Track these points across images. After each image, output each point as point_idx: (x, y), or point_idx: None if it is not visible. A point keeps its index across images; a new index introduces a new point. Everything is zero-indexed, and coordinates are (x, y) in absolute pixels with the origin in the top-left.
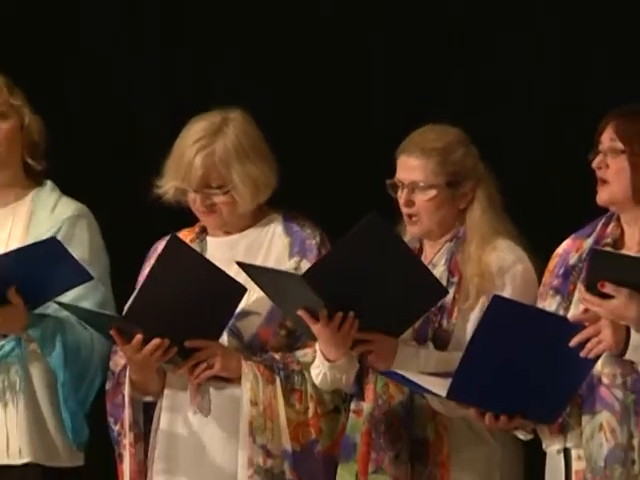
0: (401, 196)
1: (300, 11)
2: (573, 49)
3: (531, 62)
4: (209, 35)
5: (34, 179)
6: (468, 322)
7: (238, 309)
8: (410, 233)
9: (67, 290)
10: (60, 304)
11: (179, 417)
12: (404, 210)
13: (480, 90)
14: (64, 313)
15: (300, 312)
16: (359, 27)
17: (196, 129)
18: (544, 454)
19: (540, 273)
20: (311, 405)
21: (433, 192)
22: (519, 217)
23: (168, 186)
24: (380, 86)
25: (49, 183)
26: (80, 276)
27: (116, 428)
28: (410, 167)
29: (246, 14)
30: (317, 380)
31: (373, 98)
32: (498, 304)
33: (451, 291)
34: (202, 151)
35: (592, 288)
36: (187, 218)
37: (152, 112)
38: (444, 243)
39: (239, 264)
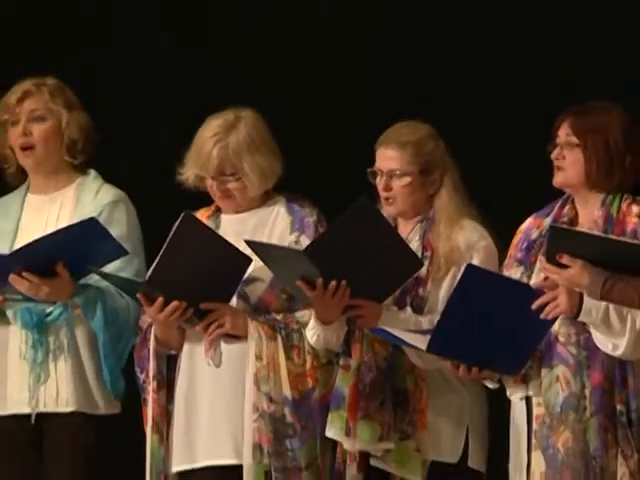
0: (380, 182)
1: (301, 11)
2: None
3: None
4: (219, 38)
5: (79, 168)
6: (440, 290)
7: (245, 276)
8: (387, 213)
9: (107, 263)
10: (98, 273)
11: (196, 368)
12: (382, 194)
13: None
14: (104, 283)
15: (299, 282)
16: (359, 27)
17: (213, 125)
18: (508, 401)
19: (499, 248)
20: (308, 359)
21: (408, 179)
22: (488, 200)
23: (189, 173)
24: (380, 87)
25: (92, 172)
26: (117, 251)
27: (142, 377)
28: (388, 157)
29: (250, 20)
30: (312, 340)
31: (373, 100)
32: (471, 272)
33: (425, 264)
34: (218, 144)
35: (551, 259)
36: (204, 200)
37: (168, 111)
38: (416, 223)
39: (246, 242)
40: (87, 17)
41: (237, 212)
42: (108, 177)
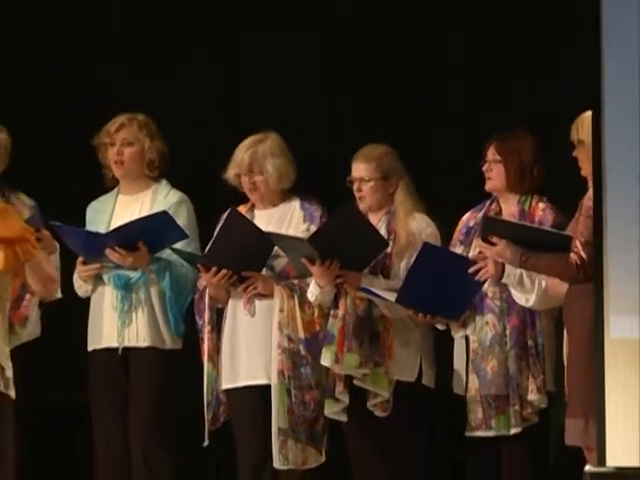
0: (354, 186)
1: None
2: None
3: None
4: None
5: (155, 178)
6: (401, 262)
7: (272, 253)
8: (360, 207)
9: (174, 243)
10: (171, 248)
11: (237, 316)
12: (356, 194)
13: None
14: (172, 257)
15: (303, 260)
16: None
17: (248, 140)
18: (452, 339)
19: (441, 233)
20: (316, 310)
21: (372, 183)
22: (437, 199)
23: (230, 173)
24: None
25: (164, 180)
26: (180, 235)
27: (200, 323)
28: (359, 169)
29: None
30: (312, 299)
31: (354, 132)
32: (427, 247)
33: (390, 244)
34: (249, 150)
35: (484, 239)
36: (241, 200)
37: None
38: (382, 215)
39: (267, 233)
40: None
41: (265, 208)
42: (175, 181)
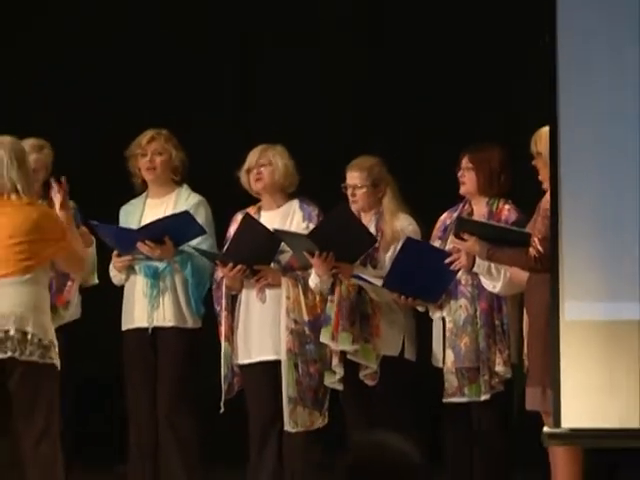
0: (349, 191)
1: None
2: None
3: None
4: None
5: (178, 183)
6: (387, 255)
7: (279, 249)
8: (353, 209)
9: (194, 238)
10: (195, 248)
11: (250, 302)
12: (350, 198)
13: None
14: (193, 250)
15: (305, 253)
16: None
17: (259, 146)
18: (431, 320)
19: (422, 231)
20: (317, 297)
21: (364, 189)
22: (420, 201)
23: (242, 171)
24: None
25: (185, 185)
26: (200, 232)
27: (218, 308)
28: (352, 177)
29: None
30: (313, 287)
31: (354, 144)
32: (410, 241)
33: (378, 239)
34: (261, 148)
35: (457, 236)
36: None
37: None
38: (372, 215)
39: (275, 230)
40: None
41: (270, 209)
42: (194, 185)
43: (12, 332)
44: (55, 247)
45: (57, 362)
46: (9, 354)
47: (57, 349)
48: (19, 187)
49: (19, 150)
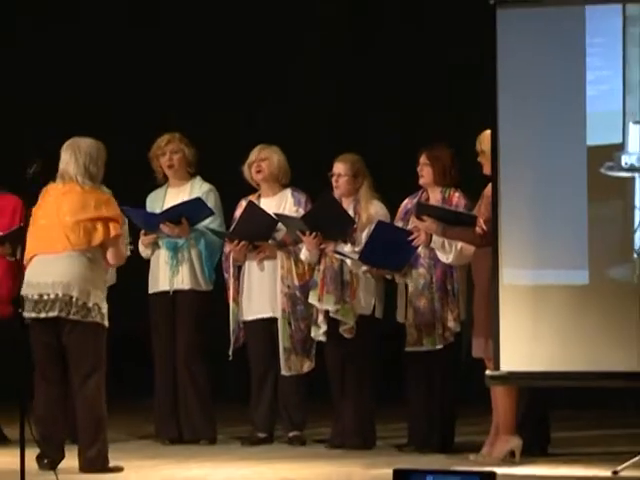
0: (334, 178)
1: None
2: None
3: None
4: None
5: (192, 175)
6: (363, 234)
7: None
8: (336, 194)
9: (205, 218)
10: (207, 228)
11: (252, 271)
12: (334, 184)
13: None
14: (205, 229)
15: (298, 232)
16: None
17: (258, 146)
18: (396, 285)
19: (391, 215)
20: (306, 267)
21: (346, 178)
22: (389, 189)
23: (245, 164)
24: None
25: (198, 176)
26: (210, 213)
27: (226, 276)
28: (338, 167)
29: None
30: (303, 259)
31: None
32: (380, 223)
33: (356, 222)
34: (262, 147)
35: (417, 217)
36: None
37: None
38: (350, 201)
39: (274, 214)
40: None
41: (267, 196)
42: (205, 176)
43: (60, 296)
44: (107, 231)
45: (101, 321)
46: (57, 313)
47: (104, 311)
48: (79, 178)
49: (83, 148)
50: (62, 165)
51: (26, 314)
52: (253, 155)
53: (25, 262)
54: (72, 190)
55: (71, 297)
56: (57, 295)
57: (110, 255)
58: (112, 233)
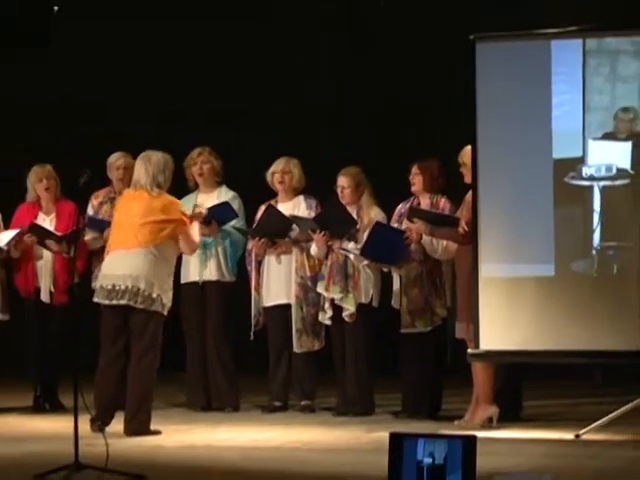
0: (339, 190)
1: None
2: None
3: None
4: None
5: (219, 183)
6: (364, 233)
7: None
8: (342, 202)
9: (231, 220)
10: (233, 227)
11: (270, 264)
12: (340, 194)
13: None
14: (231, 229)
15: (309, 231)
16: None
17: (283, 157)
18: (391, 277)
19: (388, 217)
20: (316, 261)
21: (349, 189)
22: (388, 196)
23: (269, 173)
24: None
25: (224, 185)
26: (234, 215)
27: (249, 268)
28: (342, 180)
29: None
30: (313, 254)
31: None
32: (378, 224)
33: (358, 223)
34: (285, 160)
35: (409, 220)
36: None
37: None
38: (354, 208)
39: (290, 216)
40: None
41: (284, 201)
42: (233, 183)
43: (130, 287)
44: (171, 230)
45: (161, 310)
46: (126, 302)
47: (164, 301)
48: (148, 186)
49: (153, 160)
50: (135, 174)
51: (99, 300)
52: (277, 167)
53: (105, 255)
54: (141, 196)
55: (138, 288)
56: (127, 286)
57: (182, 247)
58: (177, 231)
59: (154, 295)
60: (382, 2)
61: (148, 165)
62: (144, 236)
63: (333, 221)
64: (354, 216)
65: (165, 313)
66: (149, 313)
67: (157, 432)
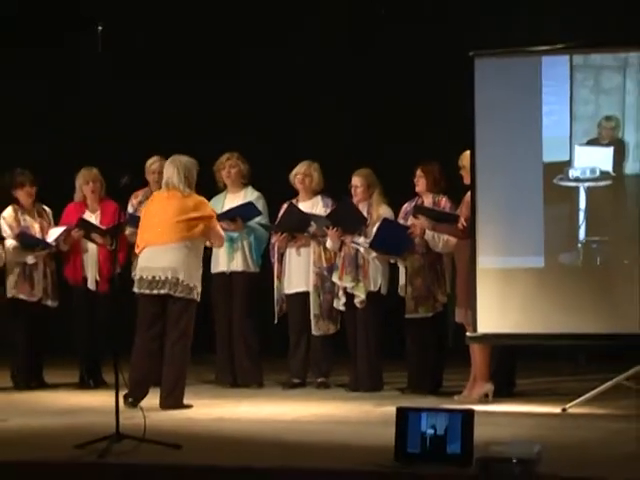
0: (352, 189)
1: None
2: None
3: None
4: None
5: (245, 184)
6: (373, 228)
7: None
8: (354, 201)
9: (255, 217)
10: (260, 224)
11: (292, 256)
12: (353, 193)
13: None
14: (256, 225)
15: (324, 227)
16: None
17: (305, 161)
18: (397, 267)
19: (395, 215)
20: (331, 253)
21: (362, 188)
22: (395, 195)
23: (292, 174)
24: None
25: (250, 186)
26: (258, 213)
27: (273, 260)
28: (355, 180)
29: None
30: (329, 247)
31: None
32: (386, 220)
33: (368, 220)
34: (307, 164)
35: (414, 216)
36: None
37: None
38: (365, 205)
39: (308, 213)
40: None
41: (304, 200)
42: (259, 184)
43: (170, 278)
44: (203, 226)
45: (196, 297)
46: (166, 291)
47: (198, 290)
48: (181, 186)
49: (183, 162)
50: (167, 176)
51: (141, 290)
52: (300, 169)
53: (137, 250)
54: (175, 196)
55: (177, 279)
56: (167, 277)
57: (212, 241)
58: (207, 227)
59: (191, 285)
60: (382, 11)
61: (180, 167)
62: (181, 232)
63: (344, 219)
64: (364, 213)
65: (198, 300)
66: (187, 301)
67: (189, 406)
